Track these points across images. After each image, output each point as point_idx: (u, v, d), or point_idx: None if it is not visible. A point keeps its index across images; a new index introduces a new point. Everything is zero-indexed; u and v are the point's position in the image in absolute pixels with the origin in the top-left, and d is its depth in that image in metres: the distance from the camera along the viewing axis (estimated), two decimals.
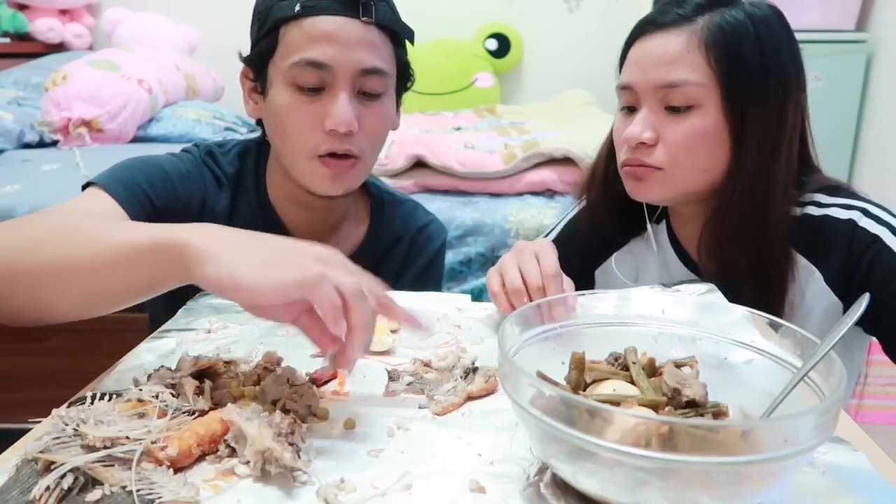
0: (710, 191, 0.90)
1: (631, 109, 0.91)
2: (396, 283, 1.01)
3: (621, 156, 0.93)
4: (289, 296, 0.56)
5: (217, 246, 0.58)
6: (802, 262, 0.88)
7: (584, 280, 1.09)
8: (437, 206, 1.61)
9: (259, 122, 0.95)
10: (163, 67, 2.37)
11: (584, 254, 1.08)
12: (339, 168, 0.86)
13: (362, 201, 1.03)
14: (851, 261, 0.84)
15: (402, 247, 1.04)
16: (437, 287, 1.11)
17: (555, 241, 1.05)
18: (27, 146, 2.06)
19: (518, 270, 0.79)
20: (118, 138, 2.15)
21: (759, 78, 0.85)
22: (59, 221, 0.69)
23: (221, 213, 0.93)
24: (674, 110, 0.87)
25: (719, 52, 0.84)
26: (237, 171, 0.97)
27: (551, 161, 1.76)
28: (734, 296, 0.81)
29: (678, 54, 0.86)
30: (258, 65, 0.87)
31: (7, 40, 2.84)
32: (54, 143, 2.08)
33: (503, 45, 3.18)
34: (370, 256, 0.99)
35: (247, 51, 0.91)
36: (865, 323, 0.84)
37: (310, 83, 0.83)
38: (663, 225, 1.02)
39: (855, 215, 0.86)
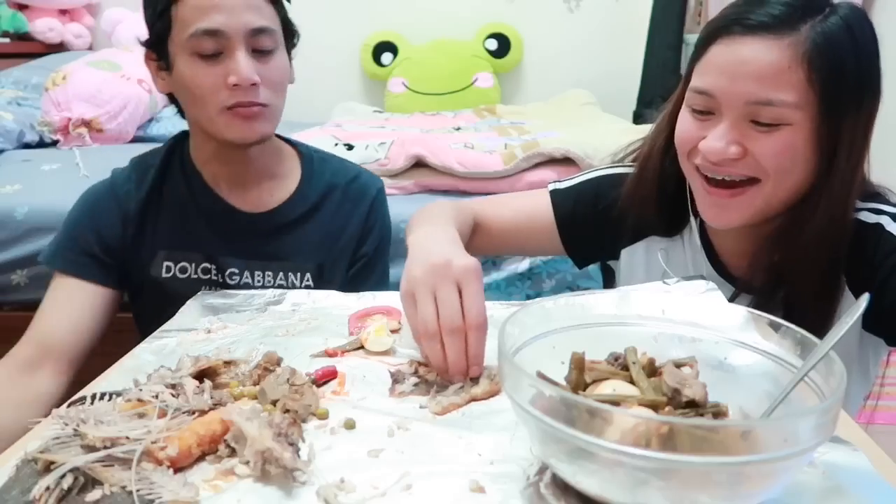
0: (786, 206, 0.83)
1: (702, 112, 0.82)
2: (340, 236, 1.07)
3: (692, 160, 0.85)
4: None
5: None
6: None
7: (587, 248, 1.05)
8: None
9: (170, 97, 1.03)
10: None
11: (604, 226, 1.00)
12: (248, 115, 0.95)
13: (293, 159, 1.11)
14: (874, 266, 0.81)
15: (335, 196, 1.09)
16: (387, 237, 1.15)
17: (576, 192, 1.02)
18: (27, 146, 2.06)
19: (433, 304, 0.65)
20: (118, 138, 2.15)
21: (857, 90, 0.79)
22: None
23: (139, 203, 1.03)
24: (761, 124, 0.78)
25: (823, 69, 0.76)
26: (162, 158, 1.06)
27: (551, 161, 1.75)
28: (786, 314, 0.76)
29: (777, 70, 0.76)
30: (158, 45, 0.96)
31: (7, 40, 2.83)
32: (54, 143, 2.08)
33: (503, 45, 3.18)
34: (302, 204, 1.06)
35: (144, 38, 1.00)
36: (883, 333, 0.82)
37: (208, 50, 0.92)
38: (699, 222, 0.96)
39: (884, 220, 0.82)
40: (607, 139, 1.83)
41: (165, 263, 1.02)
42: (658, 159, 0.93)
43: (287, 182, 1.08)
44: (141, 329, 1.04)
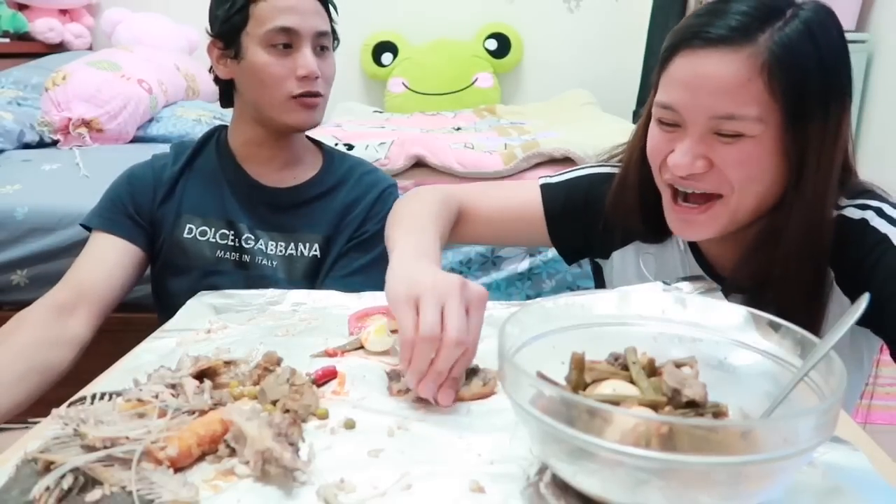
0: (757, 215, 0.84)
1: (668, 124, 0.82)
2: (347, 214, 1.17)
3: (662, 174, 0.86)
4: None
5: None
6: None
7: (576, 243, 1.05)
8: None
9: (225, 83, 1.15)
10: (163, 67, 2.36)
11: (593, 225, 1.00)
12: (310, 104, 1.11)
13: (317, 153, 1.25)
14: (859, 259, 0.81)
15: (349, 183, 1.20)
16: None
17: (566, 187, 1.03)
18: (27, 146, 2.06)
19: (439, 314, 0.63)
20: (118, 138, 2.14)
21: (822, 95, 0.77)
22: None
23: (173, 174, 1.16)
24: (723, 136, 0.78)
25: (783, 79, 0.75)
26: (200, 140, 1.21)
27: (551, 161, 1.75)
28: (778, 312, 0.77)
29: (737, 83, 0.75)
30: (230, 35, 1.09)
31: (7, 40, 2.83)
32: (54, 143, 2.08)
33: (503, 46, 3.18)
34: (322, 185, 1.19)
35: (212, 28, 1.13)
36: (871, 325, 0.82)
37: (282, 42, 1.07)
38: None
39: (868, 215, 0.82)
40: (607, 139, 1.82)
41: (188, 225, 1.13)
42: (637, 170, 0.93)
43: (309, 169, 1.20)
44: (157, 294, 1.18)
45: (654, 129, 0.85)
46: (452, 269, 1.61)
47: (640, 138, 0.91)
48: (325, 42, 1.13)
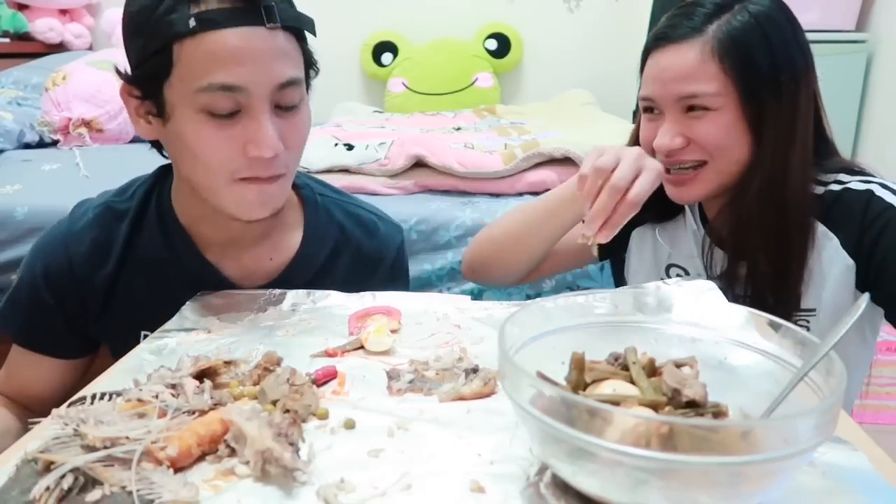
0: (741, 178, 0.95)
1: (651, 112, 0.97)
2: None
3: (656, 158, 0.95)
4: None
5: None
6: (821, 230, 0.93)
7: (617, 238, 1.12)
8: (437, 206, 1.61)
9: (154, 143, 0.86)
10: None
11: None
12: (264, 188, 0.79)
13: (294, 208, 0.94)
14: (865, 225, 0.89)
15: (345, 257, 0.94)
16: (407, 287, 1.04)
17: None
18: (27, 146, 2.06)
19: (616, 160, 0.83)
20: (118, 138, 2.15)
21: (772, 75, 0.90)
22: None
23: (105, 277, 0.87)
24: (694, 110, 0.92)
25: (731, 59, 0.89)
26: (135, 207, 0.88)
27: (551, 161, 1.75)
28: (752, 268, 0.93)
29: (693, 67, 0.90)
30: (148, 85, 0.77)
31: (7, 40, 2.83)
32: (54, 143, 2.08)
33: (503, 45, 3.18)
34: (308, 267, 0.91)
35: (123, 65, 0.80)
36: (872, 290, 0.87)
37: (224, 109, 0.74)
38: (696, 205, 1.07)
39: (873, 187, 0.91)
40: (607, 139, 1.82)
41: (143, 333, 0.83)
42: None
43: (289, 238, 0.92)
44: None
45: (643, 121, 1.00)
46: (453, 269, 1.60)
47: (637, 132, 1.04)
48: (292, 96, 0.77)
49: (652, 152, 0.96)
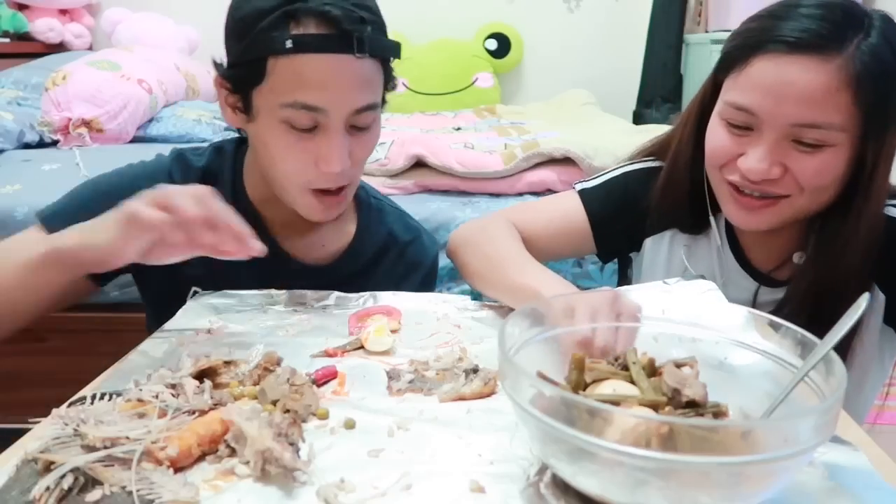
0: (815, 213, 0.84)
1: (739, 126, 0.81)
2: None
3: (723, 174, 0.85)
4: (129, 236, 0.69)
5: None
6: None
7: (617, 242, 1.04)
8: (437, 206, 1.61)
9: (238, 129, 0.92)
10: (163, 67, 2.36)
11: (633, 218, 1.00)
12: (331, 201, 0.87)
13: (350, 205, 0.99)
14: (893, 253, 0.83)
15: (391, 255, 1.00)
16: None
17: (605, 188, 1.02)
18: (27, 146, 2.06)
19: (591, 326, 0.62)
20: (118, 138, 2.14)
21: None
22: None
23: None
24: (802, 143, 0.77)
25: (869, 91, 0.74)
26: (207, 166, 0.93)
27: (551, 161, 1.75)
28: (814, 311, 0.80)
29: (825, 93, 0.74)
30: (241, 87, 0.83)
31: (7, 40, 2.83)
32: (54, 143, 2.08)
33: (503, 45, 3.18)
34: (357, 259, 0.97)
35: (221, 56, 0.85)
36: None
37: (304, 125, 0.80)
38: (722, 219, 0.96)
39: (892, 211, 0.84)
40: (607, 139, 1.83)
41: (194, 289, 0.88)
42: (686, 167, 0.93)
43: (343, 229, 0.98)
44: (149, 303, 0.97)
45: (720, 129, 0.83)
46: (453, 270, 1.61)
47: (691, 134, 0.90)
48: (366, 119, 0.84)
49: (723, 165, 0.84)
